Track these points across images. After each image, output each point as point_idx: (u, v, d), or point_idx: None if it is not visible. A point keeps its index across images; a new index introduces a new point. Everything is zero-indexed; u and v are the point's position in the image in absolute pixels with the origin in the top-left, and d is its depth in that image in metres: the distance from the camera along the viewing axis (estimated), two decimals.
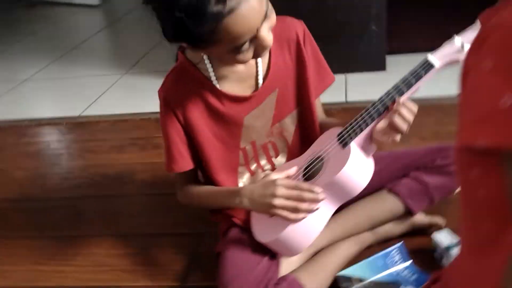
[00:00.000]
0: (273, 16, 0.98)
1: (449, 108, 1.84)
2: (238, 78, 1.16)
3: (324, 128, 1.22)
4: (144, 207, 1.65)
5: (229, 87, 1.16)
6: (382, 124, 1.03)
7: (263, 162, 1.27)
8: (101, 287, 1.35)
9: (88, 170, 1.88)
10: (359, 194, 1.19)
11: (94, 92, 2.50)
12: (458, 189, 1.25)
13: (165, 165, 1.22)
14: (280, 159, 1.27)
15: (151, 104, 2.18)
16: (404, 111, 0.98)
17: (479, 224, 0.59)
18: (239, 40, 0.93)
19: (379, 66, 2.22)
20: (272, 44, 1.09)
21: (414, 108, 1.00)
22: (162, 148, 1.88)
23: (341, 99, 2.05)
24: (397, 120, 0.99)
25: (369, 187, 1.13)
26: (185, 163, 1.20)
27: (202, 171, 1.27)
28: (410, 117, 0.99)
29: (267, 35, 0.97)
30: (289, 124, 1.24)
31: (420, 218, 1.29)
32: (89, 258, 1.45)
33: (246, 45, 0.96)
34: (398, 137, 1.02)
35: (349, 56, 2.19)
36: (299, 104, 1.23)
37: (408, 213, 1.26)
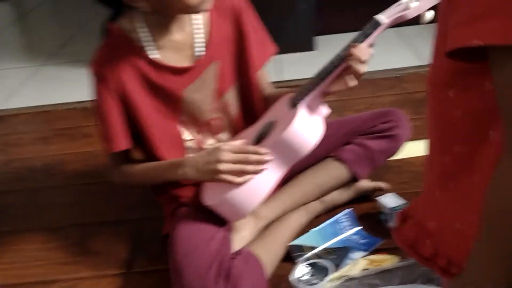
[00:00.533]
0: None
1: (380, 81, 1.89)
2: (176, 47, 1.11)
3: (275, 99, 1.19)
4: (77, 197, 1.55)
5: (167, 58, 1.11)
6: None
7: (207, 138, 1.22)
8: (38, 282, 1.24)
9: (11, 164, 1.74)
10: (306, 163, 1.18)
11: (10, 85, 2.35)
12: (398, 154, 1.29)
13: (103, 145, 1.14)
14: (224, 135, 1.24)
15: (74, 94, 2.09)
16: (357, 52, 0.96)
17: (451, 148, 0.59)
18: None
19: (308, 46, 2.23)
20: (213, 14, 1.06)
21: (369, 50, 0.98)
22: (91, 137, 1.82)
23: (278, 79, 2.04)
24: (353, 63, 0.96)
25: (315, 155, 1.13)
26: (124, 140, 1.13)
27: (143, 149, 1.21)
28: (364, 57, 0.96)
29: None
30: (232, 98, 1.21)
31: (365, 183, 1.31)
32: (19, 254, 1.33)
33: None
34: (352, 82, 0.99)
35: (276, 37, 2.18)
36: (242, 76, 1.20)
37: (354, 179, 1.27)
